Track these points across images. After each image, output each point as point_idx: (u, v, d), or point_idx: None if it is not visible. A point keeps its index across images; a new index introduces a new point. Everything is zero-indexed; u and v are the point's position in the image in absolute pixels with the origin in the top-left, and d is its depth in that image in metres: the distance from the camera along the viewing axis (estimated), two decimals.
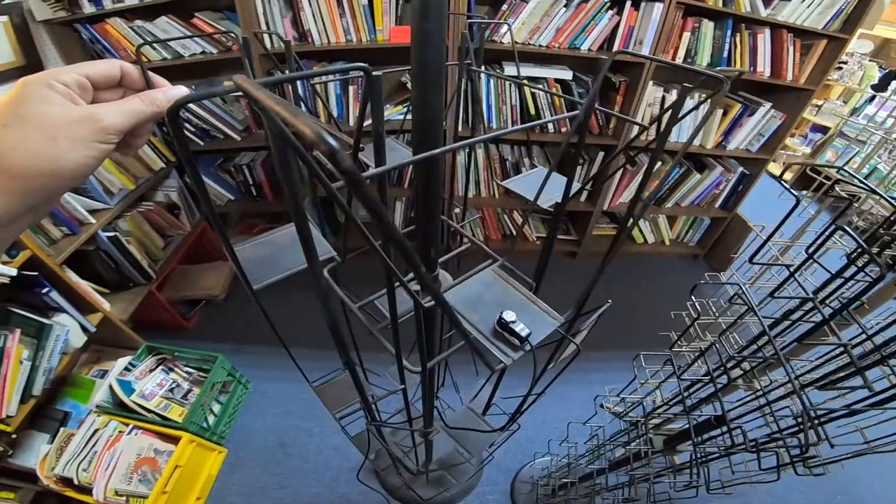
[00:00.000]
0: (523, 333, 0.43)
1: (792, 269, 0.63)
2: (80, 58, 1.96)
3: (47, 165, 0.31)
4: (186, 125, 2.11)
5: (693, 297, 0.81)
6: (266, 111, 0.17)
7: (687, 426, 0.77)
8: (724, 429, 0.69)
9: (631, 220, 0.51)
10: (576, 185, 0.53)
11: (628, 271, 2.68)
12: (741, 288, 0.65)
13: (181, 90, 0.38)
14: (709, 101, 2.07)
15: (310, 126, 0.14)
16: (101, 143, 0.33)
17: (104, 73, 0.35)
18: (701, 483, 0.72)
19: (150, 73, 0.38)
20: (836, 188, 0.70)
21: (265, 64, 1.99)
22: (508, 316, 0.44)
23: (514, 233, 2.73)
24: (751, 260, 0.66)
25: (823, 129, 4.59)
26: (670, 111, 0.36)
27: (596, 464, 1.18)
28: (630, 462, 0.85)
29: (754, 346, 0.82)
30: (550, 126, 2.25)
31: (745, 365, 0.75)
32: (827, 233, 0.61)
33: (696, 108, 0.41)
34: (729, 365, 0.69)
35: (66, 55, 1.91)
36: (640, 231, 2.76)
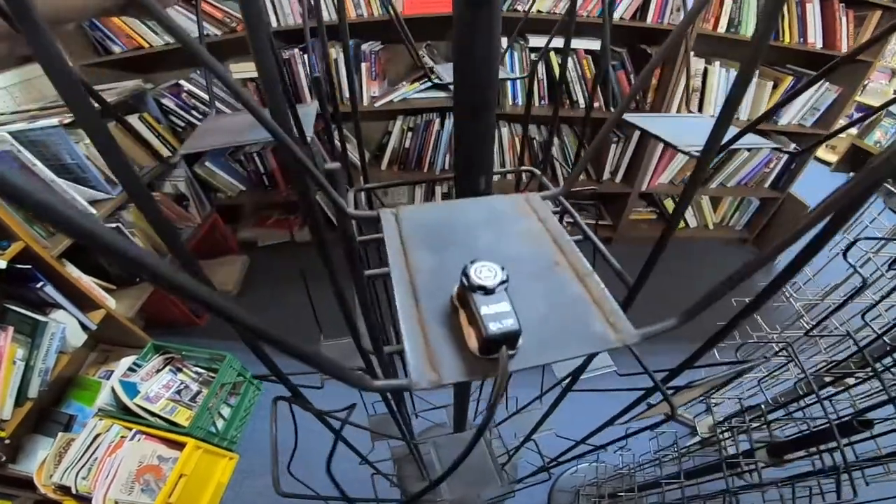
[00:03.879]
0: (494, 327, 0.20)
1: None
2: (80, 47, 1.86)
3: None
4: (193, 111, 2.00)
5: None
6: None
7: (796, 432, 0.60)
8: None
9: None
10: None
11: (668, 258, 2.45)
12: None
13: None
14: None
15: None
16: None
17: None
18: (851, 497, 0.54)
19: None
20: None
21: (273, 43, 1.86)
22: (483, 272, 0.21)
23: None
24: None
25: (870, 109, 4.27)
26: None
27: (657, 470, 1.01)
28: (723, 471, 0.68)
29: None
30: (581, 102, 2.06)
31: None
32: None
33: None
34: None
35: (64, 41, 1.80)
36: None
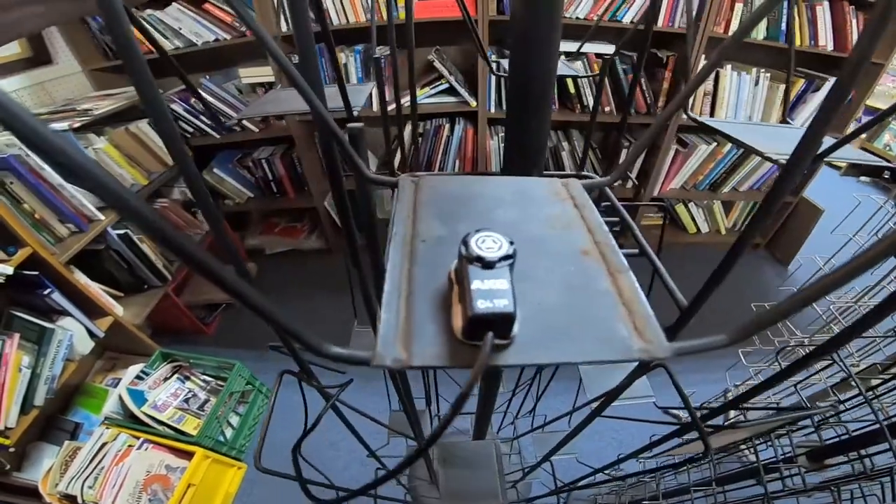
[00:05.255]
0: (482, 305, 0.16)
1: None
2: (89, 49, 1.87)
3: None
4: (201, 117, 2.00)
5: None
6: None
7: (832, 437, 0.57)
8: None
9: None
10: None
11: (680, 264, 2.43)
12: None
13: None
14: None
15: None
16: None
17: None
18: None
19: None
20: None
21: (282, 48, 1.86)
22: (485, 242, 0.18)
23: None
24: None
25: (876, 112, 4.25)
26: None
27: (678, 477, 0.98)
28: (761, 476, 0.65)
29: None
30: (591, 106, 2.05)
31: None
32: None
33: None
34: None
35: (74, 46, 1.81)
36: (693, 219, 2.51)
